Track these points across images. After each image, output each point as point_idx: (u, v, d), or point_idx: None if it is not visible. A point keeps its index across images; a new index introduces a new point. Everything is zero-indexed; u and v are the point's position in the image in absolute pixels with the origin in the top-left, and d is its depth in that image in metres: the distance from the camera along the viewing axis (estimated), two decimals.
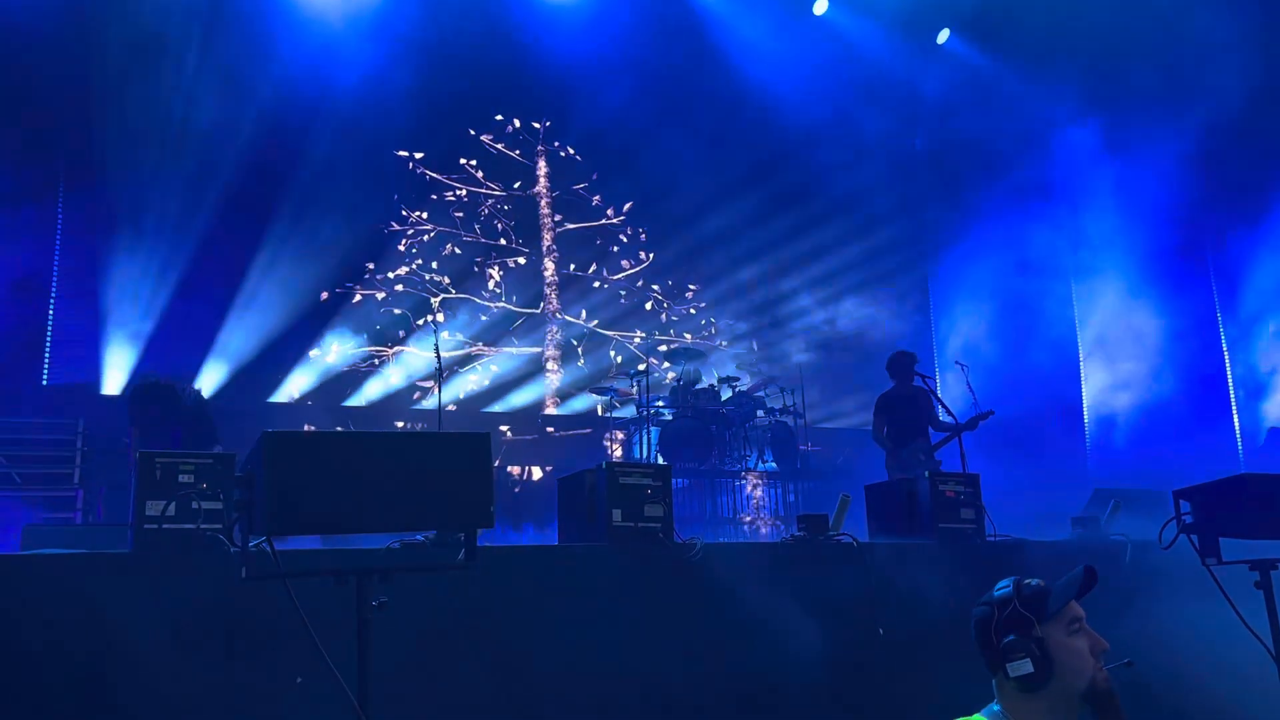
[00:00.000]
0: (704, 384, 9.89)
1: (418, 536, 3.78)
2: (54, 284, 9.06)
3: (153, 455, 3.61)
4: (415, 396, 10.68)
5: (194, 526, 3.52)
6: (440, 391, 7.52)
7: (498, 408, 11.04)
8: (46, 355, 8.92)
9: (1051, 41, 12.51)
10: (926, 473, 5.04)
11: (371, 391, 10.53)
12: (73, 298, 9.07)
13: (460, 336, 11.08)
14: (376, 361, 10.62)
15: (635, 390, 9.72)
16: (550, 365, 11.53)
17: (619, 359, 11.83)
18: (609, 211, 12.27)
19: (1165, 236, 11.81)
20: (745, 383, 10.09)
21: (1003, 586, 2.21)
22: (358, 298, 10.64)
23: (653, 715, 3.89)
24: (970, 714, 2.15)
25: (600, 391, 10.29)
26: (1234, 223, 11.42)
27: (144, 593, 3.31)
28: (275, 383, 10.05)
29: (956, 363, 7.96)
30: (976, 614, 2.22)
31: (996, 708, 2.14)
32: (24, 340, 8.74)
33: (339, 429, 10.12)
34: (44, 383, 8.87)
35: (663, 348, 11.21)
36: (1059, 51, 12.60)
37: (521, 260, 11.68)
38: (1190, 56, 10.77)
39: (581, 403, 11.44)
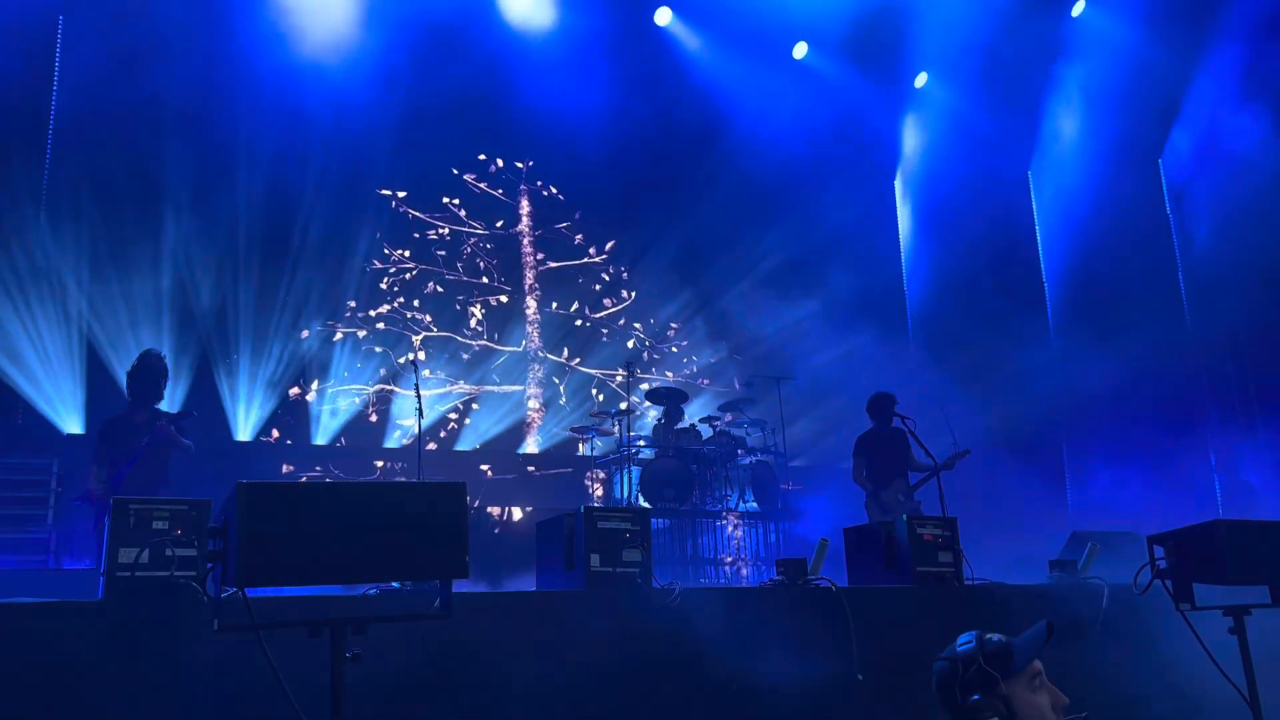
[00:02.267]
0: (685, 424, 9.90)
1: (393, 585, 3.75)
2: (30, 321, 8.99)
3: (126, 502, 3.58)
4: (396, 436, 10.63)
5: (168, 574, 3.49)
6: (420, 431, 7.50)
7: (478, 447, 11.01)
8: (21, 394, 8.82)
9: (1026, 85, 12.79)
10: (904, 515, 5.05)
11: (351, 431, 10.47)
12: (45, 338, 8.99)
13: (442, 375, 11.07)
14: (356, 400, 10.58)
15: (616, 429, 9.72)
16: (532, 404, 11.52)
17: (601, 397, 11.84)
18: (591, 250, 12.33)
19: (1136, 262, 12.00)
20: (727, 421, 10.08)
21: (965, 642, 2.19)
22: (339, 335, 10.62)
23: None
24: None
25: (581, 430, 10.27)
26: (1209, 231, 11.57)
27: (116, 642, 3.27)
28: (254, 421, 9.99)
29: (941, 407, 7.99)
30: (939, 669, 2.20)
31: None
32: None
33: (317, 469, 10.06)
34: (18, 422, 8.77)
35: (644, 386, 11.22)
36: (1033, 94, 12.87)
37: (504, 299, 11.71)
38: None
39: (563, 441, 11.41)
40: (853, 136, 13.15)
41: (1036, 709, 2.07)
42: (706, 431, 9.87)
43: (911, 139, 13.80)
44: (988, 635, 2.19)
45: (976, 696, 2.09)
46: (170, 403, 7.17)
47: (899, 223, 14.11)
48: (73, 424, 8.89)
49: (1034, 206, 13.82)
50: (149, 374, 6.69)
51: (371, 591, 3.71)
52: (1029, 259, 13.63)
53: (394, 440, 10.60)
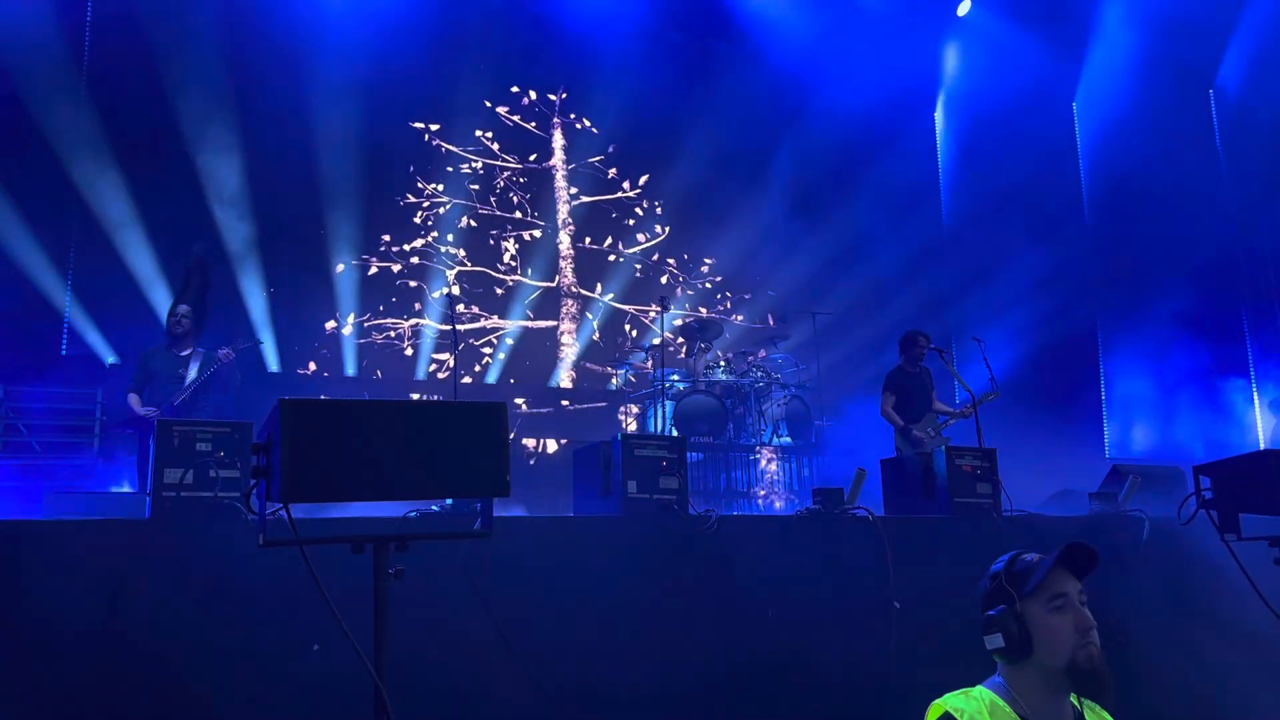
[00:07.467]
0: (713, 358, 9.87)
1: (433, 506, 3.79)
2: (71, 257, 9.09)
3: (170, 424, 3.63)
4: (431, 369, 10.70)
5: (211, 494, 3.54)
6: (455, 364, 7.54)
7: (512, 381, 11.06)
8: (65, 327, 8.96)
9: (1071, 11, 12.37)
10: (943, 447, 5.01)
11: (387, 364, 10.55)
12: (89, 270, 9.08)
13: (476, 309, 11.08)
14: (392, 334, 10.64)
15: (650, 364, 9.70)
16: (565, 339, 11.53)
17: (634, 333, 11.82)
18: (625, 185, 12.21)
19: (1188, 211, 11.69)
20: (761, 357, 10.04)
21: (1000, 561, 2.24)
22: (373, 270, 10.64)
23: (667, 685, 3.91)
24: (974, 686, 2.18)
25: (615, 365, 10.27)
26: (1264, 200, 11.26)
27: (162, 559, 3.33)
28: (290, 355, 10.08)
29: (973, 339, 7.89)
30: (980, 585, 2.29)
31: (999, 679, 2.17)
32: (42, 311, 8.78)
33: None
34: (62, 353, 8.92)
35: (678, 322, 11.18)
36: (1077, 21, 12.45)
37: (537, 233, 11.65)
38: None
39: (596, 377, 11.44)
40: (893, 65, 12.81)
41: (1050, 629, 2.09)
42: (741, 366, 9.84)
43: (953, 67, 13.44)
44: (1023, 555, 2.22)
45: (993, 611, 2.14)
46: (210, 341, 7.21)
47: (938, 154, 13.82)
48: (113, 354, 9.03)
49: (1078, 137, 13.47)
50: (192, 319, 6.78)
51: (412, 514, 3.75)
52: (1071, 193, 13.33)
53: (428, 374, 10.67)
